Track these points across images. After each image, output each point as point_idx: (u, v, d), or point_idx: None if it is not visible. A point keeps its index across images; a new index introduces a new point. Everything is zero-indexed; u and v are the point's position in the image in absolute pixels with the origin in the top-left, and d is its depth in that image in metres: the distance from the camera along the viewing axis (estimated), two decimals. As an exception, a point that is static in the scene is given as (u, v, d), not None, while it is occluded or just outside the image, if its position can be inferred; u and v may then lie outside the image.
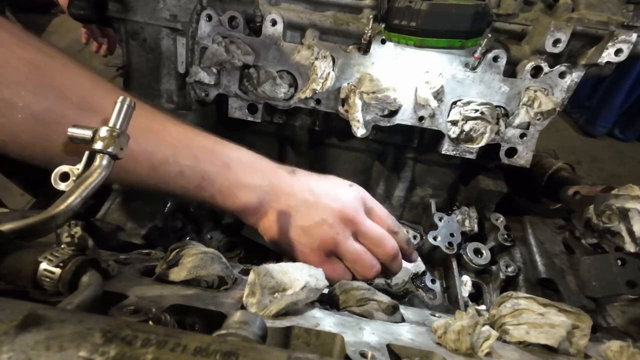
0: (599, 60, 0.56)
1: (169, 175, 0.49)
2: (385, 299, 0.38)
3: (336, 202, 0.52)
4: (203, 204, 0.54)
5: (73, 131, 0.32)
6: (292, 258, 0.53)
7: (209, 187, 0.51)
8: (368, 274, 0.52)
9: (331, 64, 0.61)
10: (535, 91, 0.60)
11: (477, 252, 0.63)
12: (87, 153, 0.32)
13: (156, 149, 0.48)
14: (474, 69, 0.60)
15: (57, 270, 0.27)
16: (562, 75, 0.59)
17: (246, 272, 0.40)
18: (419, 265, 0.62)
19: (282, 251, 0.54)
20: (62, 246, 0.29)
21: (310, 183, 0.55)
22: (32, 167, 0.44)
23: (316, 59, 0.61)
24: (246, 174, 0.52)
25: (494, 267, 0.62)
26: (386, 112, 0.63)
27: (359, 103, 0.61)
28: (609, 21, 0.56)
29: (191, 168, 0.50)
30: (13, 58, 0.41)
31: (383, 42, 0.60)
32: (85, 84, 0.46)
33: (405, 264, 0.57)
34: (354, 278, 0.53)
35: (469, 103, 0.61)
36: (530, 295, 0.36)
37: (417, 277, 0.64)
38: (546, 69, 0.59)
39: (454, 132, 0.63)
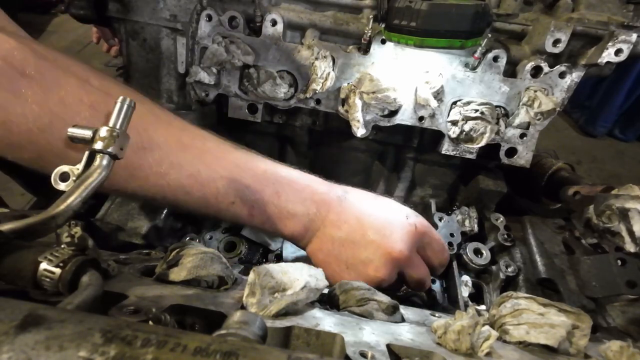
0: (599, 60, 0.56)
1: (221, 206, 0.49)
2: (385, 299, 0.38)
3: (386, 240, 0.48)
4: (253, 228, 0.55)
5: (73, 131, 0.32)
6: None
7: (259, 215, 0.51)
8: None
9: (331, 64, 0.61)
10: (535, 91, 0.60)
11: (477, 252, 0.63)
12: (87, 153, 0.32)
13: (209, 181, 0.48)
14: (474, 69, 0.60)
15: (57, 270, 0.27)
16: (562, 75, 0.59)
17: (246, 272, 0.40)
18: None
19: (329, 277, 0.54)
20: (62, 246, 0.29)
21: (360, 211, 0.51)
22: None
23: (316, 59, 0.61)
24: (296, 202, 0.51)
25: (494, 267, 0.62)
26: (386, 112, 0.63)
27: (359, 103, 0.61)
28: (609, 21, 0.56)
29: (242, 199, 0.49)
30: (75, 100, 0.41)
31: (383, 42, 0.60)
32: (147, 124, 0.45)
33: None
34: None
35: (469, 103, 0.61)
36: (530, 295, 0.36)
37: None
38: (546, 69, 0.59)
39: (454, 132, 0.63)
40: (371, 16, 0.58)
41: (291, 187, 0.52)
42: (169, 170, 0.45)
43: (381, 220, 0.50)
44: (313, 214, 0.52)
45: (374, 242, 0.49)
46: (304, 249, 0.54)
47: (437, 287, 0.64)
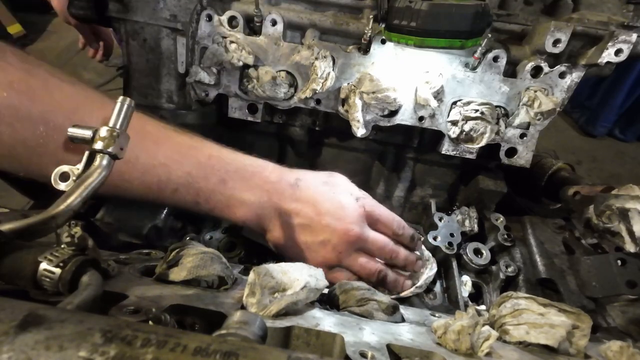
0: (599, 61, 0.56)
1: (164, 193, 0.49)
2: (385, 299, 0.38)
3: (340, 222, 0.52)
4: (204, 215, 0.54)
5: (73, 131, 0.32)
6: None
7: (205, 203, 0.51)
8: (372, 277, 0.54)
9: (331, 64, 0.61)
10: (536, 91, 0.60)
11: (477, 252, 0.63)
12: (87, 153, 0.32)
13: (149, 167, 0.47)
14: (474, 69, 0.60)
15: (57, 270, 0.27)
16: (562, 75, 0.59)
17: (246, 272, 0.40)
18: (433, 268, 0.62)
19: (290, 259, 0.55)
20: (62, 246, 0.29)
21: (314, 198, 0.54)
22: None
23: (316, 59, 0.61)
24: (243, 190, 0.52)
25: (494, 267, 0.62)
26: (386, 112, 0.63)
27: (359, 103, 0.61)
28: (609, 21, 0.56)
29: (185, 186, 0.49)
30: None
31: (383, 42, 0.60)
32: (78, 105, 0.44)
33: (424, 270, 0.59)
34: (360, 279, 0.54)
35: (469, 103, 0.61)
36: (530, 296, 0.36)
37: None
38: (546, 69, 0.59)
39: (454, 132, 0.63)
40: (371, 16, 0.58)
41: (238, 174, 0.52)
42: None
43: (335, 205, 0.53)
44: (265, 202, 0.52)
45: (330, 226, 0.52)
46: (260, 233, 0.55)
47: (437, 287, 0.64)
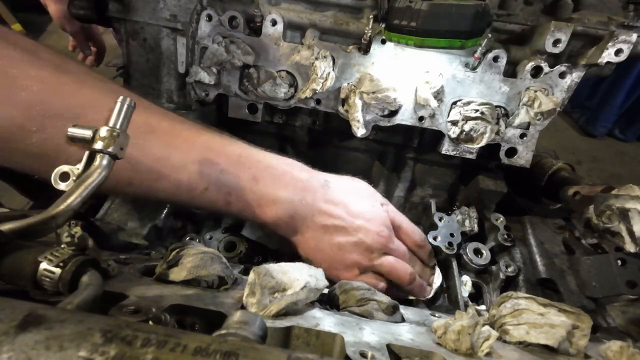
0: (599, 61, 0.56)
1: (195, 192, 0.47)
2: (385, 299, 0.38)
3: (373, 224, 0.53)
4: (233, 217, 0.53)
5: (73, 131, 0.32)
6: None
7: (236, 202, 0.49)
8: (404, 279, 0.54)
9: (331, 64, 0.61)
10: (536, 91, 0.60)
11: (477, 252, 0.63)
12: (87, 153, 0.32)
13: (180, 165, 0.46)
14: (474, 69, 0.60)
15: (57, 270, 0.27)
16: (562, 75, 0.59)
17: (246, 272, 0.40)
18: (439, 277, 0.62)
19: (318, 264, 0.54)
20: (62, 246, 0.29)
21: (345, 200, 0.54)
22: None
23: (316, 59, 0.61)
24: (276, 187, 0.50)
25: (494, 267, 0.62)
26: (386, 112, 0.63)
27: (359, 103, 0.61)
28: (609, 21, 0.56)
29: (216, 185, 0.48)
30: (21, 72, 0.37)
31: (383, 42, 0.60)
32: (104, 98, 0.42)
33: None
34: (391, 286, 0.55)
35: (469, 103, 0.61)
36: (530, 296, 0.36)
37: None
38: (546, 69, 0.59)
39: (454, 132, 0.63)
40: (371, 16, 0.58)
41: (269, 172, 0.51)
42: (134, 153, 0.41)
43: (364, 207, 0.54)
44: (298, 200, 0.51)
45: (363, 227, 0.52)
46: (288, 238, 0.54)
47: (436, 285, 0.64)
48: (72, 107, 0.40)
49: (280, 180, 0.51)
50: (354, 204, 0.54)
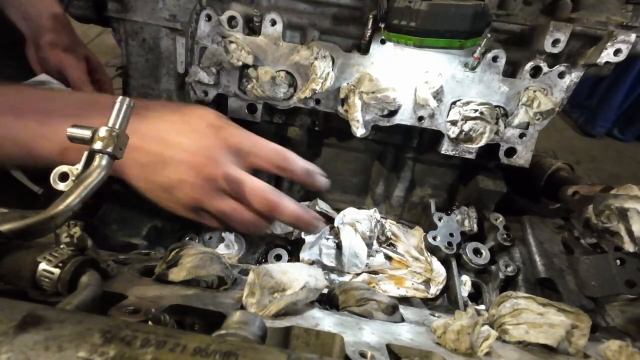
0: (598, 61, 0.56)
1: None
2: (384, 299, 0.38)
3: (195, 155, 0.45)
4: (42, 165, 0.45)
5: (72, 131, 0.32)
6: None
7: (17, 149, 0.43)
8: (245, 229, 0.48)
9: (330, 63, 0.61)
10: (535, 91, 0.60)
11: (477, 252, 0.63)
12: (86, 153, 0.32)
13: None
14: (473, 69, 0.60)
15: (56, 271, 0.27)
16: (561, 75, 0.59)
17: (246, 272, 0.40)
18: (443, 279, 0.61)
19: (162, 206, 0.48)
20: (62, 246, 0.29)
21: (162, 130, 0.46)
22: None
23: (316, 59, 0.61)
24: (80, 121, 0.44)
25: (493, 267, 0.62)
26: (386, 112, 0.63)
27: (358, 103, 0.61)
28: (608, 21, 0.56)
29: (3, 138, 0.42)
30: None
31: (382, 42, 0.60)
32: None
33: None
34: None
35: (468, 103, 0.61)
36: (530, 295, 0.36)
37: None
38: (545, 69, 0.59)
39: (453, 132, 0.63)
40: (371, 16, 0.58)
41: (67, 106, 0.45)
42: None
43: (186, 137, 0.46)
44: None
45: (184, 161, 0.45)
46: (125, 180, 0.47)
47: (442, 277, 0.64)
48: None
49: (85, 111, 0.45)
50: (173, 133, 0.46)
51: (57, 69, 0.82)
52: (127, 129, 0.42)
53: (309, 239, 0.65)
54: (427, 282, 0.62)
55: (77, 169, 0.32)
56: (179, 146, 0.45)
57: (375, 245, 0.66)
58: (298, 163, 0.50)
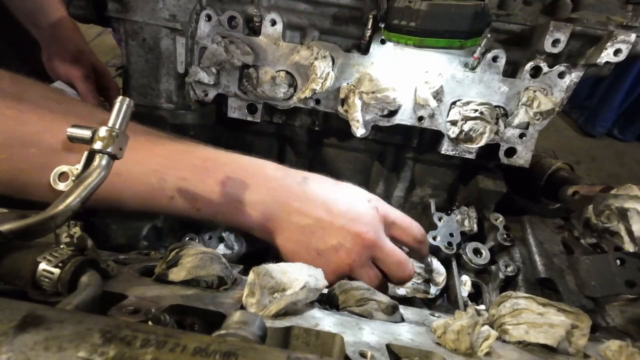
0: (598, 61, 0.56)
1: (160, 202, 0.47)
2: (384, 298, 0.38)
3: (354, 224, 0.48)
4: (212, 223, 0.52)
5: (72, 131, 0.32)
6: None
7: (206, 208, 0.48)
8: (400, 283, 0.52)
9: (331, 64, 0.61)
10: (535, 91, 0.60)
11: (477, 252, 0.63)
12: (86, 153, 0.32)
13: (140, 176, 0.45)
14: (473, 69, 0.60)
15: (56, 271, 0.27)
16: (561, 75, 0.59)
17: (246, 272, 0.40)
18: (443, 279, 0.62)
19: None
20: (61, 246, 0.29)
21: (325, 197, 0.50)
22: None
23: (316, 59, 0.61)
24: (246, 191, 0.48)
25: (493, 267, 0.62)
26: (386, 112, 0.63)
27: (358, 103, 0.61)
28: (608, 21, 0.56)
29: (181, 193, 0.47)
30: None
31: (382, 42, 0.60)
32: (62, 120, 0.43)
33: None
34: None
35: (468, 103, 0.61)
36: (530, 295, 0.36)
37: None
38: (545, 69, 0.59)
39: (453, 132, 0.63)
40: (371, 16, 0.58)
41: (237, 175, 0.49)
42: None
43: (347, 205, 0.50)
44: (271, 201, 0.49)
45: (343, 228, 0.48)
46: (269, 241, 0.51)
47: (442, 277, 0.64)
48: (32, 134, 0.42)
49: (251, 182, 0.49)
50: (335, 202, 0.49)
51: (64, 79, 0.83)
52: (298, 194, 0.49)
53: None
54: (427, 282, 0.62)
55: (77, 169, 0.32)
56: (340, 212, 0.49)
57: None
58: (426, 237, 0.57)
